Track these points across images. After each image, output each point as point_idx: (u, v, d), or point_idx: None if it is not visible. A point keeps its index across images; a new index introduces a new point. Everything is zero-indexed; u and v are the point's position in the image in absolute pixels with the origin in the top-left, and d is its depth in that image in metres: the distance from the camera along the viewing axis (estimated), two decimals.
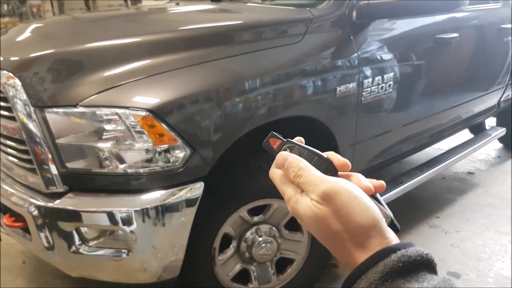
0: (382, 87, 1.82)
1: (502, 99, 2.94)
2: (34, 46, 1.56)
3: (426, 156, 2.71)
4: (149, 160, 1.31)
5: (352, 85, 1.69)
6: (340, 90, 1.66)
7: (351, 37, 1.73)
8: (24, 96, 1.32)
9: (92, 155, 1.31)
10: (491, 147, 3.50)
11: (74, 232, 1.35)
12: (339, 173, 0.47)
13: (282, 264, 1.74)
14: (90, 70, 1.35)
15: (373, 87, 1.78)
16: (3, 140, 1.52)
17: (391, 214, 0.45)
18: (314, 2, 1.83)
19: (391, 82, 1.86)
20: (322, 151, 0.48)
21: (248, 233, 1.62)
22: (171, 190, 1.34)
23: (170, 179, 1.34)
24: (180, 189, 1.35)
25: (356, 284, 0.39)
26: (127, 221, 1.31)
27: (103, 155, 1.30)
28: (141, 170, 1.31)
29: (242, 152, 1.51)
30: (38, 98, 1.32)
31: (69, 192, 1.35)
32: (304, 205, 0.43)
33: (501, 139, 3.32)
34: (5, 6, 8.20)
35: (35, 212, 1.35)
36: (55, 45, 1.53)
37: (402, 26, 1.96)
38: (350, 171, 0.48)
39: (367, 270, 0.38)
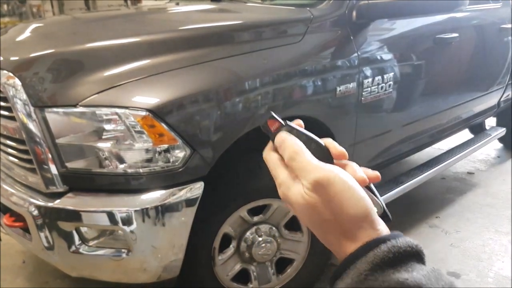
0: (382, 87, 1.82)
1: (502, 99, 2.94)
2: (34, 46, 1.55)
3: (426, 156, 2.71)
4: (149, 160, 1.31)
5: (352, 85, 1.69)
6: (340, 90, 1.66)
7: (351, 37, 1.73)
8: (24, 96, 1.32)
9: (92, 155, 1.31)
10: (491, 147, 3.50)
11: (74, 232, 1.35)
12: (334, 161, 0.45)
13: (282, 264, 1.74)
14: (90, 70, 1.35)
15: (373, 87, 1.78)
16: (3, 140, 1.52)
17: (384, 205, 0.44)
18: (314, 2, 1.83)
19: (391, 82, 1.86)
20: (321, 137, 0.47)
21: (248, 233, 1.62)
22: (171, 190, 1.34)
23: (170, 179, 1.34)
24: (180, 189, 1.35)
25: (345, 274, 0.39)
26: (127, 221, 1.31)
27: (103, 155, 1.30)
28: (141, 170, 1.31)
29: (242, 152, 1.51)
30: (38, 98, 1.32)
31: (69, 192, 1.35)
32: (295, 192, 0.42)
33: (501, 139, 3.32)
34: (5, 6, 8.20)
35: (35, 212, 1.35)
36: (55, 45, 1.53)
37: (402, 26, 1.96)
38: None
39: (357, 260, 0.38)
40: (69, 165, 1.32)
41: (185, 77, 1.37)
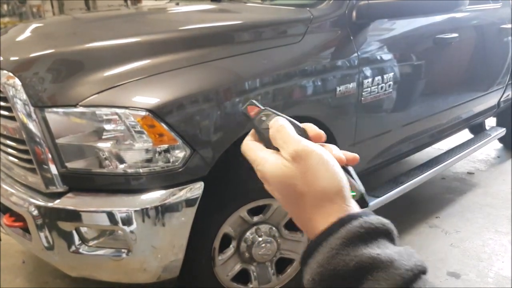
0: (382, 87, 1.82)
1: (502, 99, 2.94)
2: (34, 46, 1.55)
3: (426, 156, 2.71)
4: (149, 160, 1.31)
5: (352, 85, 1.69)
6: (340, 90, 1.66)
7: (351, 37, 1.73)
8: (24, 96, 1.32)
9: (92, 155, 1.31)
10: (491, 147, 3.50)
11: (74, 232, 1.35)
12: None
13: (282, 264, 1.74)
14: (90, 70, 1.35)
15: (373, 87, 1.78)
16: (3, 140, 1.53)
17: (363, 189, 0.45)
18: (314, 2, 1.83)
19: (391, 82, 1.86)
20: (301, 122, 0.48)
21: (248, 233, 1.62)
22: (171, 190, 1.34)
23: (170, 179, 1.34)
24: (180, 189, 1.35)
25: (317, 252, 0.39)
26: (127, 221, 1.31)
27: (103, 155, 1.30)
28: (141, 170, 1.31)
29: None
30: (38, 98, 1.32)
31: (69, 192, 1.35)
32: (272, 163, 0.43)
33: (501, 139, 3.32)
34: (5, 6, 8.20)
35: (35, 212, 1.35)
36: (55, 45, 1.53)
37: (402, 26, 1.96)
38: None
39: (329, 237, 0.38)
40: (69, 165, 1.32)
41: (185, 77, 1.37)
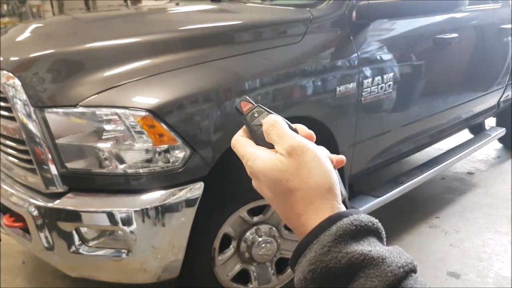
0: (381, 87, 1.82)
1: (501, 99, 2.94)
2: (34, 46, 1.55)
3: (426, 156, 2.71)
4: (149, 160, 1.31)
5: (352, 85, 1.69)
6: (340, 90, 1.66)
7: (351, 37, 1.73)
8: (24, 96, 1.32)
9: (92, 155, 1.31)
10: (491, 147, 3.50)
11: (74, 232, 1.35)
12: None
13: (282, 264, 1.74)
14: (90, 70, 1.35)
15: (372, 87, 1.78)
16: (3, 140, 1.52)
17: (346, 194, 0.46)
18: (314, 2, 1.83)
19: (391, 82, 1.86)
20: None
21: (248, 233, 1.62)
22: (171, 190, 1.34)
23: (170, 179, 1.34)
24: (180, 189, 1.35)
25: (308, 249, 0.39)
26: (127, 221, 1.31)
27: (103, 155, 1.30)
28: (141, 170, 1.31)
29: None
30: (38, 98, 1.32)
31: (69, 192, 1.35)
32: (265, 159, 0.43)
33: (500, 139, 3.32)
34: (5, 6, 8.20)
35: (35, 212, 1.35)
36: (55, 45, 1.53)
37: (402, 26, 1.96)
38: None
39: (320, 234, 0.38)
40: (69, 165, 1.32)
41: (185, 77, 1.37)
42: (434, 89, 2.23)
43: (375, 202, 1.97)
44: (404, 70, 1.95)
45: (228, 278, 1.64)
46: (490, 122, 3.31)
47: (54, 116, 1.30)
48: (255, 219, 1.63)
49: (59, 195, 1.35)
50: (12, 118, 1.37)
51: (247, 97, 0.51)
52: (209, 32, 1.56)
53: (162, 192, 1.34)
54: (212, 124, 1.36)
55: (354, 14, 1.74)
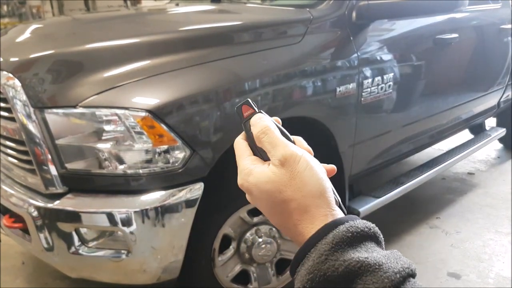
0: (381, 88, 1.82)
1: (502, 99, 2.94)
2: (34, 47, 1.56)
3: (426, 157, 2.70)
4: (148, 161, 1.31)
5: (352, 85, 1.69)
6: (340, 91, 1.66)
7: (351, 38, 1.73)
8: (24, 97, 1.32)
9: (91, 156, 1.31)
10: (491, 147, 3.50)
11: (74, 233, 1.35)
12: None
13: (282, 265, 1.74)
14: (90, 70, 1.35)
15: (372, 88, 1.78)
16: (2, 141, 1.52)
17: (339, 199, 0.46)
18: (313, 3, 1.83)
19: (391, 83, 1.86)
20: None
21: (248, 234, 1.62)
22: (171, 190, 1.34)
23: (169, 179, 1.34)
24: (180, 190, 1.35)
25: (306, 258, 0.39)
26: (127, 222, 1.31)
27: (103, 155, 1.29)
28: (140, 171, 1.31)
29: None
30: (38, 99, 1.32)
31: (68, 193, 1.35)
32: (258, 172, 0.43)
33: (501, 140, 3.32)
34: (5, 7, 8.21)
35: (35, 213, 1.35)
36: (54, 46, 1.53)
37: (402, 26, 1.96)
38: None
39: (317, 243, 0.39)
40: (69, 166, 1.32)
41: (185, 77, 1.37)
42: (434, 90, 2.23)
43: (375, 203, 1.97)
44: (404, 70, 1.95)
45: (228, 279, 1.63)
46: (491, 122, 3.31)
47: (54, 117, 1.30)
48: (255, 219, 1.62)
49: (58, 196, 1.35)
50: (12, 119, 1.37)
51: (249, 100, 0.49)
52: (209, 33, 1.56)
53: (162, 192, 1.34)
54: (212, 125, 1.36)
55: (354, 14, 1.74)
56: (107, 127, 1.28)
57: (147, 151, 1.30)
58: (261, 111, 0.49)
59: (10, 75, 1.37)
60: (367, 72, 1.75)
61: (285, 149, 0.43)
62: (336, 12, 1.74)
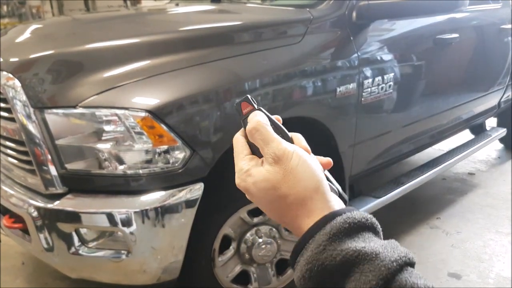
0: (382, 88, 1.82)
1: (502, 99, 2.94)
2: (34, 47, 1.55)
3: (426, 157, 2.70)
4: (148, 161, 1.30)
5: (352, 85, 1.69)
6: (340, 91, 1.65)
7: (351, 38, 1.73)
8: (24, 97, 1.32)
9: (91, 156, 1.30)
10: (492, 147, 3.50)
11: (74, 233, 1.35)
12: None
13: (282, 265, 1.74)
14: (90, 71, 1.35)
15: (373, 88, 1.78)
16: (2, 141, 1.52)
17: (339, 188, 0.47)
18: (313, 3, 1.83)
19: (391, 83, 1.86)
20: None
21: (248, 234, 1.62)
22: (171, 191, 1.34)
23: (169, 180, 1.34)
24: (180, 190, 1.35)
25: (305, 249, 0.40)
26: (127, 222, 1.31)
27: (103, 156, 1.29)
28: (140, 171, 1.31)
29: None
30: (38, 99, 1.32)
31: (68, 193, 1.35)
32: (254, 172, 0.44)
33: (501, 140, 3.31)
34: (4, 7, 8.21)
35: (35, 213, 1.34)
36: (54, 46, 1.52)
37: (402, 26, 1.96)
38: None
39: (315, 234, 0.40)
40: (69, 166, 1.32)
41: (185, 78, 1.37)
42: (434, 90, 2.22)
43: (375, 203, 1.96)
44: (404, 70, 1.94)
45: (228, 279, 1.63)
46: (491, 122, 3.31)
47: (53, 117, 1.30)
48: (255, 220, 1.62)
49: (58, 196, 1.34)
50: (12, 119, 1.37)
51: (249, 96, 0.49)
52: (209, 33, 1.56)
53: (162, 193, 1.33)
54: (212, 125, 1.35)
55: (354, 14, 1.74)
56: (107, 127, 1.28)
57: (147, 152, 1.30)
58: (260, 107, 0.49)
59: (10, 75, 1.37)
60: (368, 72, 1.75)
61: (277, 146, 0.44)
62: (336, 12, 1.74)
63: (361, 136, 1.84)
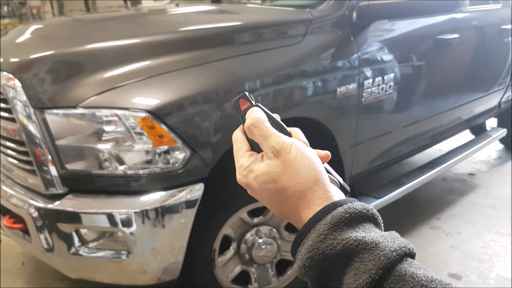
0: (382, 88, 1.82)
1: (503, 100, 2.94)
2: (34, 48, 1.55)
3: (427, 157, 2.70)
4: (148, 161, 1.30)
5: (352, 86, 1.69)
6: (340, 91, 1.65)
7: (351, 38, 1.73)
8: (24, 98, 1.32)
9: (91, 157, 1.30)
10: (492, 148, 3.50)
11: (74, 234, 1.35)
12: None
13: (282, 265, 1.74)
14: (90, 71, 1.35)
15: (373, 88, 1.78)
16: (3, 142, 1.52)
17: (340, 179, 0.47)
18: (314, 3, 1.83)
19: (392, 83, 1.86)
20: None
21: (248, 235, 1.62)
22: (171, 191, 1.34)
23: (170, 180, 1.34)
24: (180, 191, 1.35)
25: (306, 238, 0.40)
26: (127, 223, 1.31)
27: (103, 156, 1.29)
28: (140, 172, 1.31)
29: None
30: (38, 100, 1.32)
31: (68, 193, 1.35)
32: (255, 167, 0.45)
33: (502, 140, 3.31)
34: (5, 8, 8.22)
35: (35, 214, 1.34)
36: (55, 46, 1.53)
37: (402, 27, 1.96)
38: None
39: (316, 224, 0.40)
40: (69, 166, 1.32)
41: (185, 78, 1.37)
42: (435, 90, 2.22)
43: (376, 203, 1.97)
44: (404, 70, 1.94)
45: (228, 280, 1.63)
46: (491, 122, 3.30)
47: (54, 117, 1.30)
48: (256, 220, 1.62)
49: (59, 197, 1.34)
50: (12, 120, 1.37)
51: (247, 93, 0.50)
52: (209, 33, 1.56)
53: (162, 193, 1.33)
54: (212, 125, 1.35)
55: (354, 14, 1.74)
56: (107, 128, 1.28)
57: (147, 152, 1.30)
58: (258, 104, 0.49)
59: (10, 75, 1.37)
60: (368, 72, 1.75)
61: (276, 140, 0.44)
62: (337, 12, 1.74)
63: (361, 137, 1.84)
